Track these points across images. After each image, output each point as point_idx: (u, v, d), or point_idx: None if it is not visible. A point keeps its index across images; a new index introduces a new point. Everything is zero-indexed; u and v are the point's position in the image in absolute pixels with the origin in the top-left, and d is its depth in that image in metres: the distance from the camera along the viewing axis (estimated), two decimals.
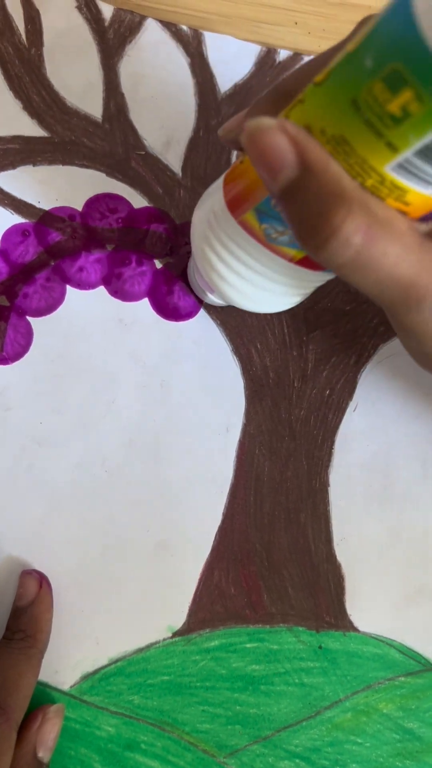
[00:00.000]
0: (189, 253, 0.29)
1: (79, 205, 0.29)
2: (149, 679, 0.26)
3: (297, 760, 0.26)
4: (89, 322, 0.28)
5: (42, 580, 0.26)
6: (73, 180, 0.29)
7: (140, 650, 0.27)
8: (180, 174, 0.30)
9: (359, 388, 0.29)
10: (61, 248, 0.29)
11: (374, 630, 0.27)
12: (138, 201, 0.29)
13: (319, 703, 0.27)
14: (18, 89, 0.30)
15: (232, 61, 0.31)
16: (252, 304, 0.24)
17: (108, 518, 0.27)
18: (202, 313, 0.29)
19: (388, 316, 0.20)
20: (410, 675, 0.27)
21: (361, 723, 0.27)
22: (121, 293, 0.29)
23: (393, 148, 0.15)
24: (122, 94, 0.30)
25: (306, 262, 0.20)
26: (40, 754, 0.24)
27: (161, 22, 0.31)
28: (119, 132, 0.30)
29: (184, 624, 0.27)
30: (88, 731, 0.26)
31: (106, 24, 0.30)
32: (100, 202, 0.29)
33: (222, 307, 0.29)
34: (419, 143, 0.14)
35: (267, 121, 0.16)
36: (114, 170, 0.29)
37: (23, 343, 0.28)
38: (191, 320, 0.29)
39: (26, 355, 0.28)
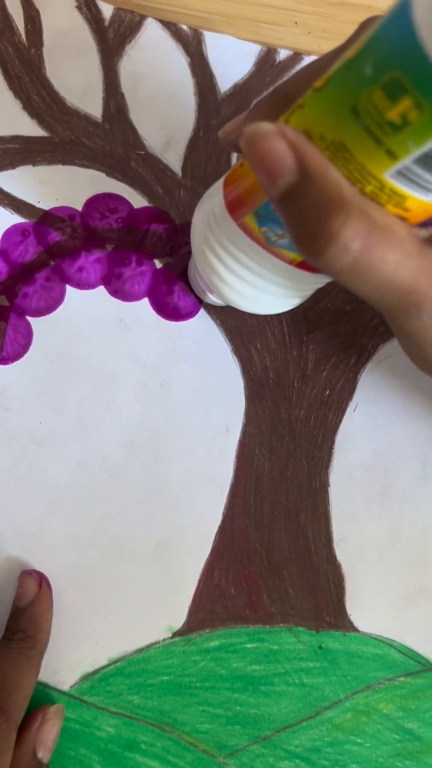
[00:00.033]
0: (189, 253, 0.29)
1: (78, 205, 0.29)
2: (149, 680, 0.26)
3: (297, 761, 0.26)
4: (89, 322, 0.28)
5: (42, 580, 0.26)
6: (73, 180, 0.29)
7: (140, 650, 0.27)
8: (180, 174, 0.30)
9: (359, 388, 0.29)
10: (61, 248, 0.29)
11: (374, 630, 0.27)
12: (138, 201, 0.29)
13: (319, 703, 0.27)
14: (18, 89, 0.30)
15: (232, 60, 0.31)
16: (251, 305, 0.24)
17: (108, 518, 0.27)
18: (202, 313, 0.29)
19: (387, 321, 0.20)
20: (410, 675, 0.27)
21: (361, 723, 0.27)
22: (120, 293, 0.29)
23: (392, 156, 0.15)
24: (122, 94, 0.30)
25: (306, 265, 0.20)
26: (40, 755, 0.24)
27: (161, 21, 0.31)
28: (119, 132, 0.30)
29: (184, 624, 0.27)
30: (88, 731, 0.26)
31: (106, 24, 0.30)
32: (100, 202, 0.29)
33: (222, 307, 0.29)
34: (418, 151, 0.14)
35: (266, 126, 0.16)
36: (114, 170, 0.29)
37: (23, 343, 0.28)
38: (191, 320, 0.29)
39: (26, 355, 0.28)
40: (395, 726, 0.27)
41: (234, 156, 0.30)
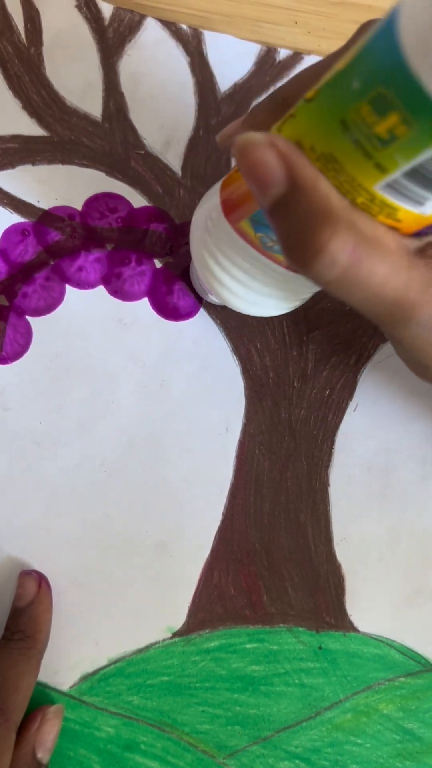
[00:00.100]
0: (189, 252, 0.29)
1: (78, 205, 0.29)
2: (149, 680, 0.26)
3: (297, 761, 0.26)
4: (89, 322, 0.28)
5: (41, 580, 0.26)
6: (73, 179, 0.29)
7: (140, 651, 0.27)
8: (180, 173, 0.30)
9: (359, 388, 0.29)
10: (61, 248, 0.29)
11: (374, 630, 0.27)
12: (138, 200, 0.29)
13: (319, 703, 0.27)
14: (17, 88, 0.29)
15: (232, 60, 0.31)
16: (250, 308, 0.24)
17: (107, 518, 0.27)
18: (201, 312, 0.29)
19: (380, 328, 0.20)
20: (410, 675, 0.27)
21: (361, 724, 0.27)
22: (120, 293, 0.29)
23: (382, 169, 0.15)
24: (122, 94, 0.30)
25: None
26: (40, 755, 0.24)
27: (161, 21, 0.31)
28: (119, 131, 0.30)
29: (184, 624, 0.27)
30: (88, 732, 0.26)
31: (106, 23, 0.30)
32: (100, 202, 0.29)
33: (222, 307, 0.29)
34: (407, 166, 0.14)
35: (257, 136, 0.16)
36: (114, 170, 0.29)
37: (22, 342, 0.28)
38: (191, 320, 0.29)
39: (25, 355, 0.28)
40: (395, 726, 0.27)
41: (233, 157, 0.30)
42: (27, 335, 0.28)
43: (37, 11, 0.30)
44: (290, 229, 0.16)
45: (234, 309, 0.24)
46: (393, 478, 0.28)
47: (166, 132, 0.30)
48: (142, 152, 0.30)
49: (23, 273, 0.28)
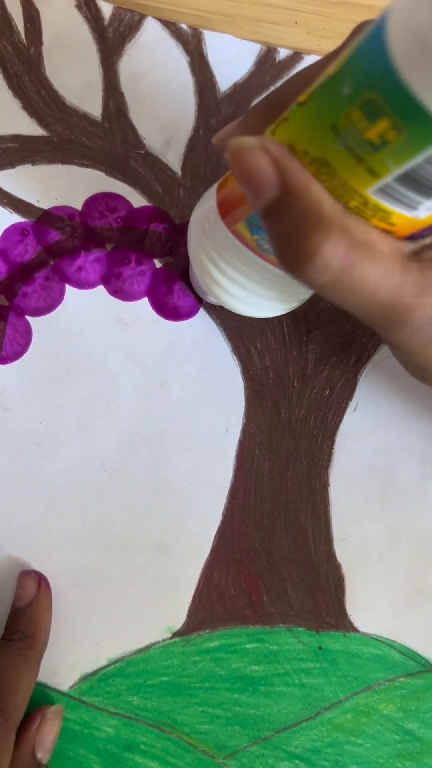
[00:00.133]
0: None
1: (78, 205, 0.29)
2: (148, 680, 0.26)
3: (297, 761, 0.26)
4: (88, 322, 0.28)
5: (41, 580, 0.26)
6: (73, 179, 0.29)
7: (139, 651, 0.27)
8: (180, 173, 0.29)
9: (359, 388, 0.29)
10: (61, 247, 0.29)
11: (374, 630, 0.27)
12: (137, 200, 0.29)
13: (319, 703, 0.27)
14: (17, 88, 0.29)
15: (231, 60, 0.31)
16: (247, 309, 0.24)
17: (107, 518, 0.27)
18: (201, 312, 0.29)
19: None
20: (410, 676, 0.27)
21: (361, 724, 0.27)
22: (120, 293, 0.29)
23: (374, 174, 0.15)
24: (122, 93, 0.30)
25: None
26: (39, 756, 0.24)
27: (161, 20, 0.31)
28: (119, 131, 0.30)
29: (184, 625, 0.27)
30: (87, 732, 0.26)
31: (106, 23, 0.30)
32: (100, 202, 0.29)
33: (222, 307, 0.29)
34: (399, 171, 0.14)
35: (249, 141, 0.16)
36: (113, 169, 0.29)
37: (22, 342, 0.28)
38: (191, 320, 0.29)
39: (25, 355, 0.28)
40: (395, 727, 0.27)
41: None
42: (27, 335, 0.28)
43: (36, 11, 0.30)
44: (283, 233, 0.16)
45: (232, 310, 0.24)
46: (393, 478, 0.28)
47: (165, 132, 0.30)
48: (142, 152, 0.29)
49: (23, 273, 0.28)
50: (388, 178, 0.14)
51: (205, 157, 0.30)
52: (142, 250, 0.29)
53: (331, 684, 0.27)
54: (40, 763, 0.24)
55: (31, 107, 0.29)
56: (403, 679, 0.27)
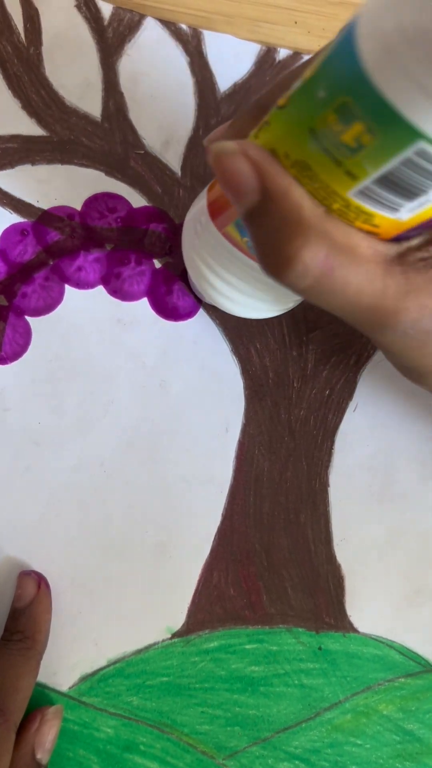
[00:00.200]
0: None
1: (78, 205, 0.29)
2: (148, 681, 0.26)
3: (296, 762, 0.26)
4: (88, 322, 0.28)
5: (40, 581, 0.26)
6: (72, 179, 0.29)
7: (139, 651, 0.27)
8: (179, 173, 0.29)
9: (359, 388, 0.29)
10: (60, 248, 0.28)
11: (374, 631, 0.27)
12: (137, 200, 0.29)
13: (319, 704, 0.27)
14: (17, 88, 0.29)
15: (231, 60, 0.31)
16: (242, 310, 0.24)
17: (107, 519, 0.27)
18: (201, 312, 0.29)
19: None
20: (410, 676, 0.27)
21: (360, 724, 0.27)
22: (120, 293, 0.28)
23: (352, 177, 0.15)
24: (121, 93, 0.30)
25: None
26: (39, 756, 0.24)
27: (160, 20, 0.30)
28: (118, 131, 0.30)
29: (183, 625, 0.27)
30: (87, 733, 0.26)
31: (105, 23, 0.30)
32: (99, 202, 0.29)
33: None
34: (377, 173, 0.14)
35: (229, 145, 0.16)
36: (113, 169, 0.29)
37: (22, 342, 0.28)
38: (190, 320, 0.29)
39: (24, 355, 0.28)
40: (395, 727, 0.27)
41: None
42: (26, 335, 0.28)
43: (36, 11, 0.30)
44: (264, 237, 0.16)
45: (226, 311, 0.24)
46: (393, 478, 0.28)
47: (165, 132, 0.30)
48: (142, 152, 0.29)
49: (22, 273, 0.28)
50: (366, 181, 0.14)
51: (205, 157, 0.30)
52: (141, 250, 0.29)
53: (331, 684, 0.27)
54: (39, 764, 0.24)
55: (30, 107, 0.29)
56: (402, 680, 0.27)
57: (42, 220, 0.29)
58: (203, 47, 0.31)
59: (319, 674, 0.27)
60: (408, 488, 0.28)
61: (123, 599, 0.27)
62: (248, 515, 0.28)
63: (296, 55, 0.31)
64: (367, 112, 0.13)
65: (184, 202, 0.29)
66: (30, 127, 0.29)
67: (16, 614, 0.26)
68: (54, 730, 0.25)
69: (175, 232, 0.29)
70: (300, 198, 0.16)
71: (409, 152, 0.13)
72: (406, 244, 0.17)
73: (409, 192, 0.14)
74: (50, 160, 0.29)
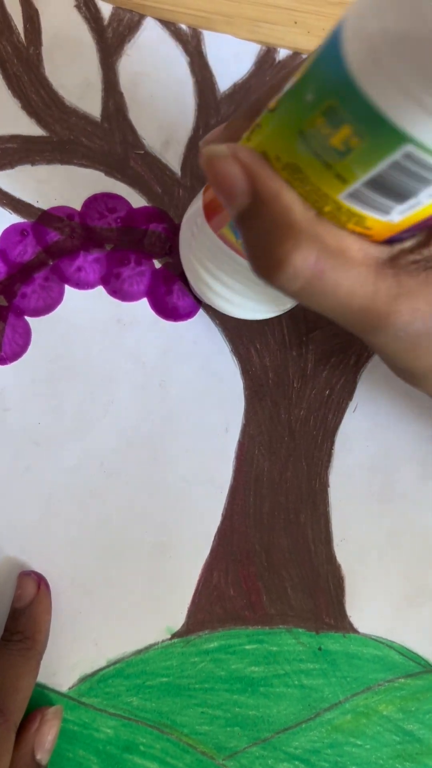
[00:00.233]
0: None
1: (77, 205, 0.29)
2: (148, 681, 0.26)
3: (296, 762, 0.26)
4: (88, 322, 0.28)
5: (40, 581, 0.26)
6: (72, 179, 0.29)
7: (139, 652, 0.27)
8: (179, 173, 0.29)
9: (359, 388, 0.29)
10: (60, 248, 0.28)
11: (374, 631, 0.27)
12: (137, 200, 0.29)
13: (319, 704, 0.27)
14: (16, 88, 0.29)
15: (231, 60, 0.31)
16: (239, 311, 0.24)
17: (107, 519, 0.27)
18: (201, 312, 0.29)
19: None
20: (410, 677, 0.27)
21: (360, 725, 0.27)
22: (119, 293, 0.28)
23: (342, 180, 0.15)
24: (121, 93, 0.30)
25: None
26: (39, 756, 0.24)
27: (160, 21, 0.30)
28: (118, 131, 0.30)
29: (183, 625, 0.27)
30: (87, 733, 0.26)
31: (105, 23, 0.30)
32: (99, 202, 0.29)
33: None
34: (366, 176, 0.14)
35: (220, 149, 0.16)
36: (113, 169, 0.29)
37: (21, 343, 0.28)
38: (190, 320, 0.29)
39: (24, 355, 0.28)
40: (395, 728, 0.27)
41: None
42: (26, 335, 0.28)
43: (36, 11, 0.30)
44: (255, 240, 0.16)
45: (223, 312, 0.24)
46: (393, 478, 0.28)
47: (165, 132, 0.30)
48: (142, 152, 0.29)
49: (22, 273, 0.28)
50: (356, 184, 0.14)
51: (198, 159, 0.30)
52: (141, 250, 0.29)
53: (331, 685, 0.27)
54: (39, 764, 0.24)
55: (30, 107, 0.29)
56: (402, 680, 0.27)
57: (42, 220, 0.29)
58: (203, 47, 0.31)
59: (319, 675, 0.27)
60: (408, 488, 0.28)
61: (123, 599, 0.27)
62: (248, 515, 0.28)
63: (296, 55, 0.31)
64: (354, 115, 0.13)
65: (184, 203, 0.29)
66: (30, 127, 0.29)
67: (16, 614, 0.26)
68: (54, 730, 0.25)
69: (174, 233, 0.29)
70: (290, 201, 0.16)
71: (397, 155, 0.13)
72: (398, 247, 0.17)
73: (400, 195, 0.14)
74: (50, 161, 0.29)
